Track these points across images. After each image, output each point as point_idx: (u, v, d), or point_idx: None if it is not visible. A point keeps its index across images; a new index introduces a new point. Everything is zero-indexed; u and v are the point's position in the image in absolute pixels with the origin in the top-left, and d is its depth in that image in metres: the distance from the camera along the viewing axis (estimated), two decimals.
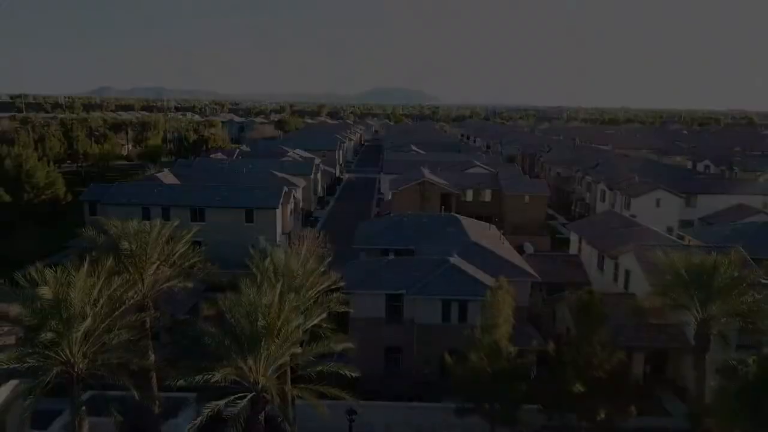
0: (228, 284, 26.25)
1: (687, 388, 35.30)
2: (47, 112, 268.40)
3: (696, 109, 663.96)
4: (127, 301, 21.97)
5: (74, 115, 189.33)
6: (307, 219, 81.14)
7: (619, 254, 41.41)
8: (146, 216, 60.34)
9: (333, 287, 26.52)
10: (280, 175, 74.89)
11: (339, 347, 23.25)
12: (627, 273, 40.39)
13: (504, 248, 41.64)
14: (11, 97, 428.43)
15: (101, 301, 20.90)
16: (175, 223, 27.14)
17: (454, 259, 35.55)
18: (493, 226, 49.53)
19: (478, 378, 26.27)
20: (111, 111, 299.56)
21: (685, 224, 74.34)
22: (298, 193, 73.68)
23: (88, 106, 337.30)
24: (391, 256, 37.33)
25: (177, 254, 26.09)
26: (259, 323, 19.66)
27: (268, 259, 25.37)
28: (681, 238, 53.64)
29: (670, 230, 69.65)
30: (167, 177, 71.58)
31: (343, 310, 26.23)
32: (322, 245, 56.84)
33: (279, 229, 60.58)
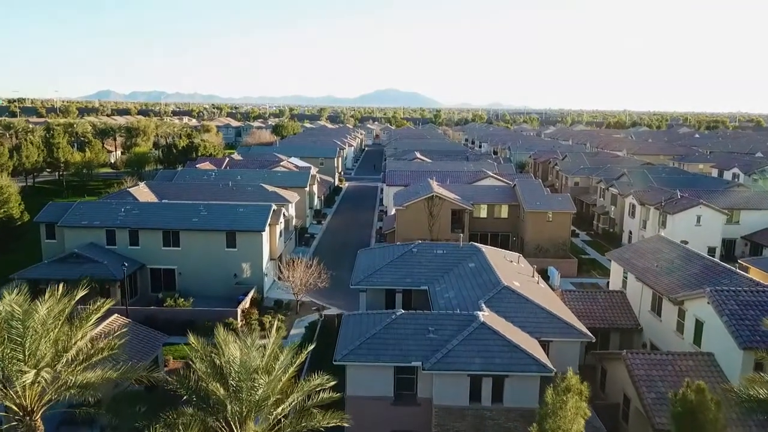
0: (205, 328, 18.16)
1: None
2: (41, 116, 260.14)
3: (698, 112, 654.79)
4: None
5: (62, 120, 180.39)
6: (301, 236, 72.74)
7: (686, 299, 32.86)
8: (111, 241, 51.97)
9: (320, 387, 17.83)
10: (270, 189, 66.37)
11: None
12: (698, 324, 31.82)
13: (543, 293, 33.03)
14: (8, 102, 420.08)
15: None
16: (81, 294, 18.35)
17: (485, 315, 27.02)
18: (521, 257, 41.02)
19: None
20: (107, 115, 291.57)
21: (727, 244, 66.13)
22: (291, 210, 65.23)
23: (84, 110, 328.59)
24: (400, 311, 28.70)
25: (75, 347, 16.89)
26: None
27: (218, 358, 16.68)
28: (743, 269, 45.14)
29: (711, 251, 61.33)
30: (142, 192, 63.00)
31: (335, 424, 17.53)
32: (317, 275, 48.73)
33: (266, 256, 52.12)
